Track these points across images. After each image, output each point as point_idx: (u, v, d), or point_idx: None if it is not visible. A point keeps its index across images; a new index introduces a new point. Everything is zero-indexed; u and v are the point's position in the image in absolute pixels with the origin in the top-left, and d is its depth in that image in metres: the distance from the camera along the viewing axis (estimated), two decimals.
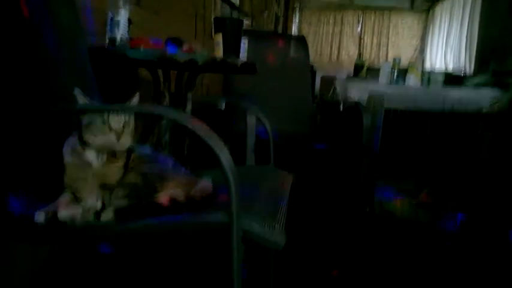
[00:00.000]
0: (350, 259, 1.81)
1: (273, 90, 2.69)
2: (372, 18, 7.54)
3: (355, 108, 2.33)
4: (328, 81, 4.02)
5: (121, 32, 1.60)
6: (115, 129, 0.90)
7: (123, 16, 1.61)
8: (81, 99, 0.91)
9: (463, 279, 1.72)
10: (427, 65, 6.26)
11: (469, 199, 2.36)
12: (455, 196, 2.72)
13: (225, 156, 0.70)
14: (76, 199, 0.88)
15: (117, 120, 0.90)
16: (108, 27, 1.61)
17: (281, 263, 1.58)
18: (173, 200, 0.88)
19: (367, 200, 2.39)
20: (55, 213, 0.80)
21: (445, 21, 6.06)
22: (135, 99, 0.97)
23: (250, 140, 1.69)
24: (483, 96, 3.24)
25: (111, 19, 1.61)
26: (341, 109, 3.13)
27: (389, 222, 2.35)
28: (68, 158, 0.92)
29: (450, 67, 5.35)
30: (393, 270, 1.74)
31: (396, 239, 2.10)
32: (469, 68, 4.54)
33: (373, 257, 1.86)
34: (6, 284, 1.12)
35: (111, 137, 0.90)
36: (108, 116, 0.89)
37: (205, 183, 1.00)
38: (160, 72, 1.83)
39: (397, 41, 7.47)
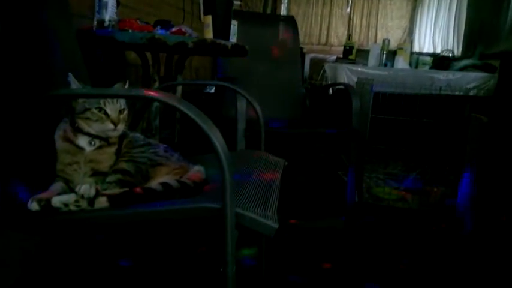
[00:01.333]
0: (339, 247, 1.83)
1: (263, 73, 2.68)
2: None
3: (344, 91, 2.34)
4: (318, 64, 4.02)
5: (109, 14, 1.57)
6: (112, 117, 0.90)
7: None
8: (75, 86, 0.91)
9: (453, 264, 1.76)
10: (416, 47, 6.28)
11: (456, 181, 2.40)
12: (443, 179, 2.78)
13: (218, 140, 0.70)
14: (69, 186, 0.89)
15: (113, 107, 0.90)
16: (96, 9, 1.58)
17: (272, 249, 1.61)
18: (166, 186, 0.89)
19: (355, 186, 2.41)
20: (48, 201, 0.80)
21: (433, 3, 6.06)
22: (126, 85, 0.96)
23: (241, 125, 1.69)
24: (470, 79, 3.28)
25: (99, 0, 1.58)
26: (330, 92, 3.14)
27: (377, 209, 2.38)
28: (59, 144, 0.92)
29: (439, 49, 5.37)
30: (383, 257, 1.77)
31: (384, 226, 2.14)
32: (457, 50, 4.56)
33: (362, 244, 1.89)
34: None
35: (108, 125, 0.90)
36: (105, 103, 0.89)
37: (198, 169, 1.00)
38: (149, 55, 1.81)
39: (386, 22, 7.44)
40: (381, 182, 2.83)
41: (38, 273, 1.26)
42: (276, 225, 0.72)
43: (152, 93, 0.69)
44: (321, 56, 5.38)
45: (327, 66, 3.47)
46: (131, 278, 1.36)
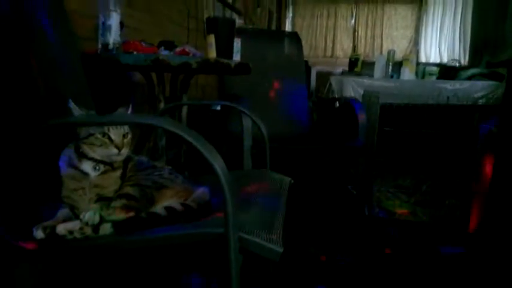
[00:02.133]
0: (350, 264, 1.79)
1: (269, 89, 2.69)
2: (366, 10, 7.51)
3: (350, 105, 2.33)
4: (324, 77, 4.02)
5: (113, 37, 1.59)
6: (115, 142, 0.90)
7: (114, 19, 1.60)
8: (77, 112, 0.91)
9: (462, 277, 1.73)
10: (422, 57, 6.27)
11: (467, 193, 2.36)
12: (454, 191, 2.73)
13: (219, 164, 0.70)
14: (73, 212, 0.89)
15: (117, 132, 0.91)
16: (100, 32, 1.60)
17: (280, 269, 1.58)
18: (170, 210, 0.88)
19: (365, 199, 2.39)
20: (53, 228, 0.80)
21: (438, 12, 6.07)
22: (129, 111, 0.97)
23: (247, 143, 1.68)
24: (478, 88, 3.25)
25: (103, 23, 1.60)
26: (337, 105, 3.13)
27: (388, 223, 2.34)
28: (64, 170, 0.92)
29: (445, 58, 5.35)
30: (394, 273, 1.73)
31: (395, 240, 2.10)
32: (464, 60, 4.54)
33: (374, 260, 1.85)
34: None
35: (112, 150, 0.90)
36: (108, 128, 0.90)
37: (202, 191, 1.00)
38: (154, 75, 1.83)
39: (391, 32, 7.44)
40: (391, 195, 2.80)
41: None
42: (280, 250, 0.71)
43: (151, 120, 0.69)
44: (327, 69, 5.38)
45: (332, 80, 3.47)
46: None
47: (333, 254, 1.85)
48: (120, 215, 0.85)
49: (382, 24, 7.41)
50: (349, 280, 1.64)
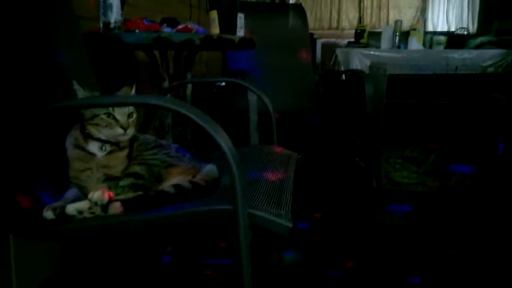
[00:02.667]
0: (360, 240, 1.79)
1: (274, 63, 2.65)
2: None
3: (357, 77, 2.30)
4: (330, 49, 3.96)
5: (115, 15, 1.57)
6: (121, 122, 0.89)
7: None
8: (81, 94, 0.90)
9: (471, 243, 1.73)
10: (429, 26, 6.13)
11: (476, 162, 2.35)
12: (463, 161, 2.71)
13: (226, 143, 0.69)
14: (82, 192, 0.90)
15: (122, 112, 0.90)
16: (101, 11, 1.57)
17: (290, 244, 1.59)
18: (179, 187, 0.89)
19: (373, 171, 2.38)
20: (63, 208, 0.81)
21: None
22: (133, 91, 0.96)
23: (253, 118, 1.67)
24: (487, 57, 3.18)
25: (104, 2, 1.57)
26: (343, 78, 3.09)
27: (397, 195, 2.34)
28: (70, 151, 0.92)
29: (453, 27, 5.23)
30: (406, 247, 1.74)
31: (405, 212, 2.10)
32: (472, 28, 4.44)
33: (384, 235, 1.85)
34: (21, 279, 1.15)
35: (118, 130, 0.90)
36: (113, 108, 0.89)
37: (209, 168, 1.00)
38: (157, 53, 1.81)
39: (397, 1, 7.27)
40: (399, 167, 2.79)
41: (66, 274, 1.29)
42: (290, 224, 0.71)
43: (155, 100, 0.69)
44: (332, 40, 5.30)
45: (338, 52, 3.41)
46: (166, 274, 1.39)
47: (342, 228, 1.87)
48: (129, 194, 0.86)
49: None
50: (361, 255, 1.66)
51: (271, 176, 0.92)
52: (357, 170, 2.66)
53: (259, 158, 1.08)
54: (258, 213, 0.72)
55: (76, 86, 0.90)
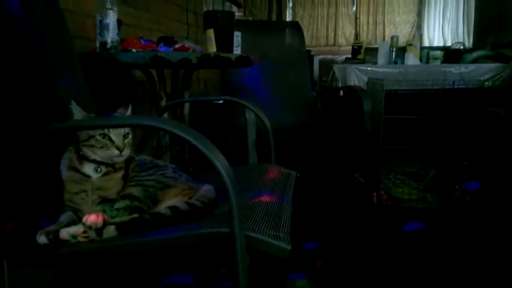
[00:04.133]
0: (360, 255, 1.77)
1: (272, 81, 2.66)
2: None
3: (355, 93, 2.30)
4: (327, 66, 3.97)
5: (111, 35, 1.58)
6: (116, 143, 0.88)
7: (111, 18, 1.59)
8: (79, 114, 0.89)
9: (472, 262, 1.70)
10: (425, 41, 6.19)
11: (477, 177, 2.33)
12: (463, 176, 2.70)
13: (222, 164, 0.68)
14: (77, 215, 0.88)
15: (117, 133, 0.89)
16: (98, 31, 1.59)
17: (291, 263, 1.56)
18: (175, 209, 0.87)
19: (373, 188, 2.36)
20: (57, 233, 0.79)
21: None
22: (129, 111, 0.95)
23: (251, 136, 1.66)
24: (484, 71, 3.20)
25: (100, 22, 1.58)
26: (341, 94, 3.10)
27: (397, 211, 2.31)
28: (65, 173, 0.90)
29: (449, 42, 5.28)
30: (406, 263, 1.71)
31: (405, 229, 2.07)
32: (468, 42, 4.47)
33: (384, 250, 1.83)
34: None
35: (113, 151, 0.88)
36: (108, 129, 0.88)
37: (206, 188, 0.98)
38: (154, 72, 1.81)
39: (393, 18, 7.35)
40: (399, 183, 2.77)
41: None
42: (288, 247, 0.69)
43: (150, 121, 0.68)
44: (329, 57, 5.33)
45: (335, 68, 3.42)
46: None
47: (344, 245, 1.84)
48: (124, 217, 0.84)
49: (383, 10, 7.32)
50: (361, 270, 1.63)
51: (269, 196, 0.91)
52: (357, 187, 2.64)
53: (258, 177, 1.07)
54: (256, 235, 0.70)
55: (73, 106, 0.89)
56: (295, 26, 2.95)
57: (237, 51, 1.94)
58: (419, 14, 7.00)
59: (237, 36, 1.93)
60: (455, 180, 2.71)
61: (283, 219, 0.79)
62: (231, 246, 0.68)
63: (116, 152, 0.88)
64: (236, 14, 2.17)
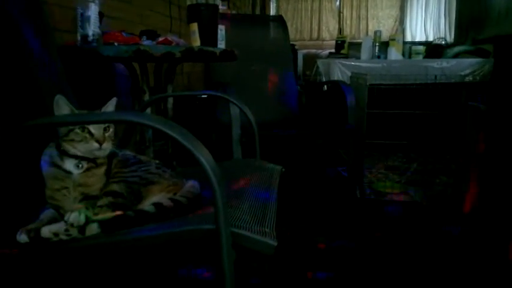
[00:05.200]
0: (344, 250, 1.78)
1: (256, 75, 2.65)
2: None
3: (338, 87, 2.31)
4: (311, 60, 3.98)
5: (92, 28, 1.55)
6: (96, 136, 0.86)
7: (93, 11, 1.56)
8: (65, 108, 0.87)
9: (453, 255, 1.73)
10: (408, 36, 6.25)
11: (458, 171, 2.37)
12: (444, 169, 2.75)
13: (207, 159, 0.67)
14: (59, 212, 0.86)
15: (97, 126, 0.87)
16: (79, 24, 1.55)
17: (275, 259, 1.56)
18: (159, 206, 0.86)
19: (356, 183, 2.38)
20: (38, 231, 0.77)
21: None
22: (112, 105, 0.93)
23: (236, 132, 1.65)
24: (465, 66, 3.25)
25: (81, 15, 1.55)
26: (325, 88, 3.11)
27: (380, 204, 2.34)
28: (46, 169, 0.88)
29: (431, 37, 5.34)
30: (390, 256, 1.73)
31: (388, 221, 2.10)
32: (449, 37, 4.53)
33: (368, 244, 1.84)
34: None
35: (93, 144, 0.86)
36: None
37: (191, 184, 0.98)
38: (137, 66, 1.78)
39: (376, 12, 7.41)
40: (382, 176, 2.80)
41: None
42: (274, 243, 0.69)
43: (132, 117, 0.66)
44: (313, 51, 5.34)
45: (319, 62, 3.43)
46: None
47: (329, 240, 1.85)
48: (107, 214, 0.83)
49: (367, 5, 7.37)
50: (349, 265, 1.64)
51: (254, 192, 0.90)
52: (341, 181, 2.66)
53: (242, 172, 1.06)
54: (241, 232, 0.70)
55: (58, 101, 0.86)
56: (280, 19, 2.94)
57: (221, 45, 1.93)
58: (402, 9, 7.07)
59: (221, 30, 1.91)
60: (437, 174, 2.75)
61: (269, 215, 0.79)
62: (216, 243, 0.68)
63: (96, 145, 0.86)
64: (220, 7, 2.15)
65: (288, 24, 3.00)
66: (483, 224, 1.91)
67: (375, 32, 3.76)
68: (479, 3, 3.78)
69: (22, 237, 0.77)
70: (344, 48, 4.13)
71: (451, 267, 1.61)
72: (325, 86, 3.18)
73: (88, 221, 0.78)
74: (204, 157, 0.66)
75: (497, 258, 1.63)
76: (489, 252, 1.69)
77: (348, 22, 7.49)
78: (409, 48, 3.78)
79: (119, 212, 0.83)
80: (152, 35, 1.70)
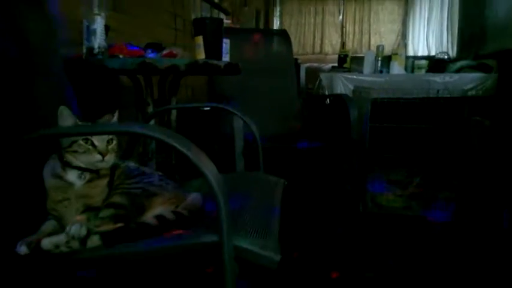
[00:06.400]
0: (346, 262, 1.76)
1: (259, 88, 2.66)
2: (353, 5, 7.53)
3: (341, 101, 2.31)
4: (313, 74, 3.99)
5: (98, 41, 1.56)
6: (99, 148, 0.86)
7: (99, 24, 1.57)
8: (70, 120, 0.87)
9: (456, 270, 1.71)
10: (410, 50, 6.27)
11: (461, 186, 2.36)
12: (447, 184, 2.73)
13: (211, 171, 0.67)
14: (60, 224, 0.85)
15: (100, 138, 0.87)
16: (85, 36, 1.56)
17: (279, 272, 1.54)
18: (161, 219, 0.85)
19: (360, 196, 2.36)
20: (38, 243, 0.77)
21: (425, 5, 6.06)
22: (115, 118, 0.94)
23: (239, 144, 1.65)
24: (467, 80, 3.25)
25: (87, 27, 1.56)
26: (328, 102, 3.11)
27: (383, 219, 2.32)
28: (48, 180, 0.88)
29: (433, 51, 5.35)
30: (390, 268, 1.72)
31: (391, 236, 2.08)
32: (452, 52, 4.54)
33: (369, 257, 1.83)
34: None
35: (96, 156, 0.86)
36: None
37: (194, 197, 0.97)
38: (141, 78, 1.79)
39: (378, 27, 7.47)
40: (385, 190, 2.78)
41: None
42: (277, 258, 0.68)
43: (137, 129, 0.66)
44: (316, 65, 5.37)
45: (322, 76, 3.44)
46: None
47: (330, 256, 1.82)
48: (109, 226, 0.82)
49: (369, 20, 7.42)
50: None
51: (257, 205, 0.90)
52: (343, 195, 2.64)
53: (245, 185, 1.06)
54: (245, 245, 0.69)
55: (63, 112, 0.86)
56: (283, 34, 2.97)
57: (226, 58, 1.94)
58: (404, 24, 7.12)
59: (226, 44, 1.92)
60: (439, 188, 2.74)
61: (272, 228, 0.78)
62: (219, 257, 0.67)
63: (99, 157, 0.86)
64: (224, 21, 2.17)
65: (291, 38, 3.02)
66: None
67: (377, 47, 3.77)
68: (481, 18, 3.80)
69: (22, 249, 0.77)
70: (346, 62, 4.14)
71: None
72: (328, 100, 3.18)
73: (89, 233, 0.78)
74: (209, 170, 0.66)
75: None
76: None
77: (351, 36, 7.54)
78: (411, 63, 3.78)
79: (120, 224, 0.83)
80: (157, 47, 1.71)
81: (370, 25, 7.45)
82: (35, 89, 1.05)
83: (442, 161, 2.86)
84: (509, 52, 3.16)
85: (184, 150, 0.64)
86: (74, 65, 1.41)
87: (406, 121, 2.56)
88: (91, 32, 1.55)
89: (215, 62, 1.74)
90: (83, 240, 0.77)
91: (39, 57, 1.11)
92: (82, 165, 0.87)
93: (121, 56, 1.55)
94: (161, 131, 0.65)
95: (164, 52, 1.69)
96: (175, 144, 0.64)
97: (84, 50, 1.55)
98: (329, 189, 2.76)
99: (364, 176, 2.45)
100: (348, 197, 2.52)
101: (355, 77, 3.35)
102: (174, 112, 1.95)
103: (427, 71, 3.70)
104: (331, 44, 7.54)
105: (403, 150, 2.56)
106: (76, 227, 0.77)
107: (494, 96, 3.07)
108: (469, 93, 3.23)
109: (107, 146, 0.88)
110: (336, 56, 4.46)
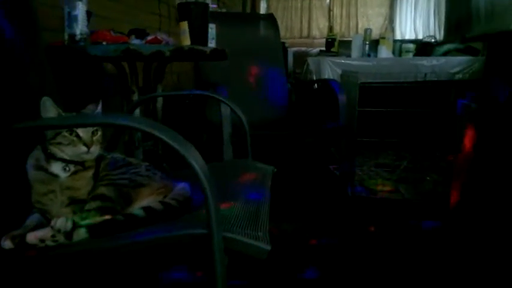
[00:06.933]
0: (336, 247, 1.78)
1: (246, 74, 2.63)
2: None
3: (329, 85, 2.30)
4: (301, 58, 3.97)
5: (80, 27, 1.51)
6: (84, 139, 0.84)
7: (81, 10, 1.52)
8: (52, 110, 0.85)
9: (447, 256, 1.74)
10: (398, 34, 6.27)
11: (448, 168, 2.38)
12: (434, 167, 2.76)
13: (198, 163, 0.65)
14: (45, 217, 0.84)
15: (85, 129, 0.85)
16: (66, 23, 1.52)
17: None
18: (149, 210, 0.84)
19: (348, 179, 2.38)
20: (23, 237, 0.75)
21: None
22: (99, 108, 0.91)
23: (227, 132, 1.64)
24: (454, 64, 3.26)
25: (69, 14, 1.52)
26: (316, 87, 3.10)
27: (371, 202, 2.34)
28: (32, 173, 0.86)
29: (420, 35, 5.36)
30: (378, 250, 1.74)
31: (379, 219, 2.10)
32: (439, 35, 4.55)
33: (359, 240, 1.84)
34: None
35: (81, 148, 0.85)
36: None
37: (181, 187, 0.96)
38: (126, 65, 1.75)
39: (366, 10, 7.44)
40: (372, 174, 2.80)
41: None
42: (268, 247, 0.68)
43: (121, 121, 0.64)
44: (303, 49, 5.34)
45: (310, 60, 3.42)
46: None
47: (320, 236, 1.84)
48: (95, 218, 0.81)
49: (356, 3, 7.38)
50: (337, 260, 1.63)
51: (246, 193, 0.89)
52: (332, 179, 2.66)
53: (234, 174, 1.05)
54: (234, 236, 0.68)
55: (45, 103, 0.84)
56: (270, 18, 2.93)
57: (212, 44, 1.90)
58: (392, 7, 7.10)
59: (212, 29, 1.89)
60: (427, 171, 2.76)
61: (262, 217, 0.78)
62: (208, 248, 0.66)
63: (84, 148, 0.85)
64: (210, 5, 2.12)
65: (278, 22, 2.98)
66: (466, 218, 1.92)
67: (365, 30, 3.76)
68: (467, 1, 3.80)
69: (6, 244, 0.75)
70: (334, 46, 4.12)
71: (435, 262, 1.62)
72: (316, 84, 3.17)
73: (75, 226, 0.76)
74: (196, 161, 0.64)
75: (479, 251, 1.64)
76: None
77: (338, 20, 7.50)
78: (399, 46, 3.78)
79: (107, 216, 0.81)
80: (141, 33, 1.67)
81: (357, 8, 7.42)
82: (16, 78, 1.02)
83: (429, 145, 2.89)
84: (497, 35, 3.17)
85: (171, 141, 0.62)
86: (55, 53, 1.37)
87: (394, 105, 2.56)
88: (72, 18, 1.50)
89: (201, 47, 1.71)
90: (69, 234, 0.75)
91: (19, 44, 1.07)
92: (67, 157, 0.85)
93: (104, 43, 1.51)
94: (147, 123, 0.63)
95: (149, 38, 1.65)
96: (162, 136, 0.62)
97: (66, 37, 1.50)
98: (317, 173, 2.77)
99: (353, 160, 2.45)
100: (336, 181, 2.53)
101: (343, 61, 3.33)
102: (160, 100, 1.92)
103: (415, 55, 3.70)
104: (319, 28, 7.49)
105: (391, 134, 2.57)
106: (61, 221, 0.75)
107: (481, 79, 3.09)
108: (456, 76, 3.25)
109: (91, 137, 0.86)
110: (324, 40, 4.44)
